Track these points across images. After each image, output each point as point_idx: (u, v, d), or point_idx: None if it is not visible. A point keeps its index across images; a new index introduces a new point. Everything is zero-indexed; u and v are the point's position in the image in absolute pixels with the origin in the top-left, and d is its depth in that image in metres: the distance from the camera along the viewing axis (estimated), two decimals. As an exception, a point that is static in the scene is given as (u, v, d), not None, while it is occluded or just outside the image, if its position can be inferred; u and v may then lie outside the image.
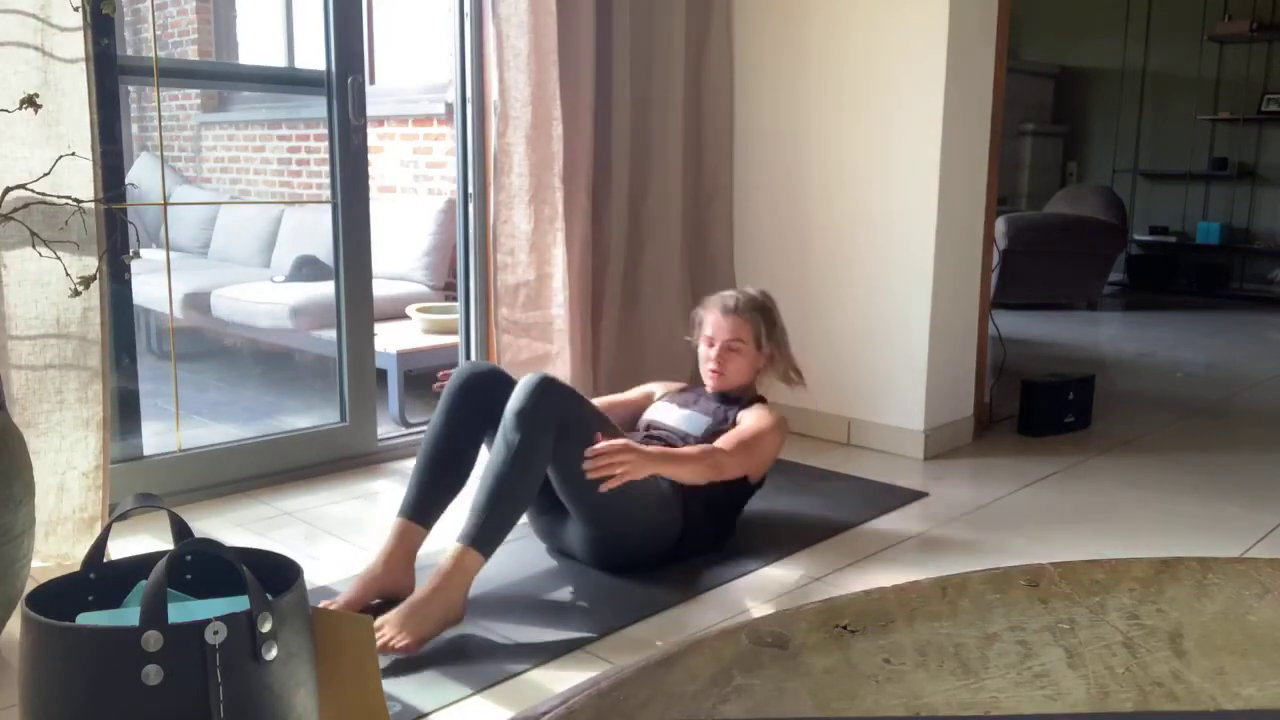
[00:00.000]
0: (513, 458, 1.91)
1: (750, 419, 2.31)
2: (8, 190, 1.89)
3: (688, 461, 2.11)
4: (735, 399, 2.40)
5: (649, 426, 2.39)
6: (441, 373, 2.27)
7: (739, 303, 2.37)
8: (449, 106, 4.33)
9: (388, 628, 1.80)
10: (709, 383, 2.40)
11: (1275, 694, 0.59)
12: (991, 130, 3.16)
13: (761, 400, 2.43)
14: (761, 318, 2.38)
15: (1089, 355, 4.95)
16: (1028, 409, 3.36)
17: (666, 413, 2.41)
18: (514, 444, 1.92)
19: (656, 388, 2.57)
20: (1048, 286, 6.17)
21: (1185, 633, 0.66)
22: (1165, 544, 2.40)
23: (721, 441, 2.21)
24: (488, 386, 2.13)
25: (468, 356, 3.16)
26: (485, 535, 1.90)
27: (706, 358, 2.38)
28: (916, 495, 2.73)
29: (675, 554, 2.23)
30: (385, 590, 1.99)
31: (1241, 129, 7.20)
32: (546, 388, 1.96)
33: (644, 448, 2.02)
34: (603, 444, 1.96)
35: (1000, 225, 5.75)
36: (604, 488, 1.95)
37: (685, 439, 2.31)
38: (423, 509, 2.05)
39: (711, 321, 2.38)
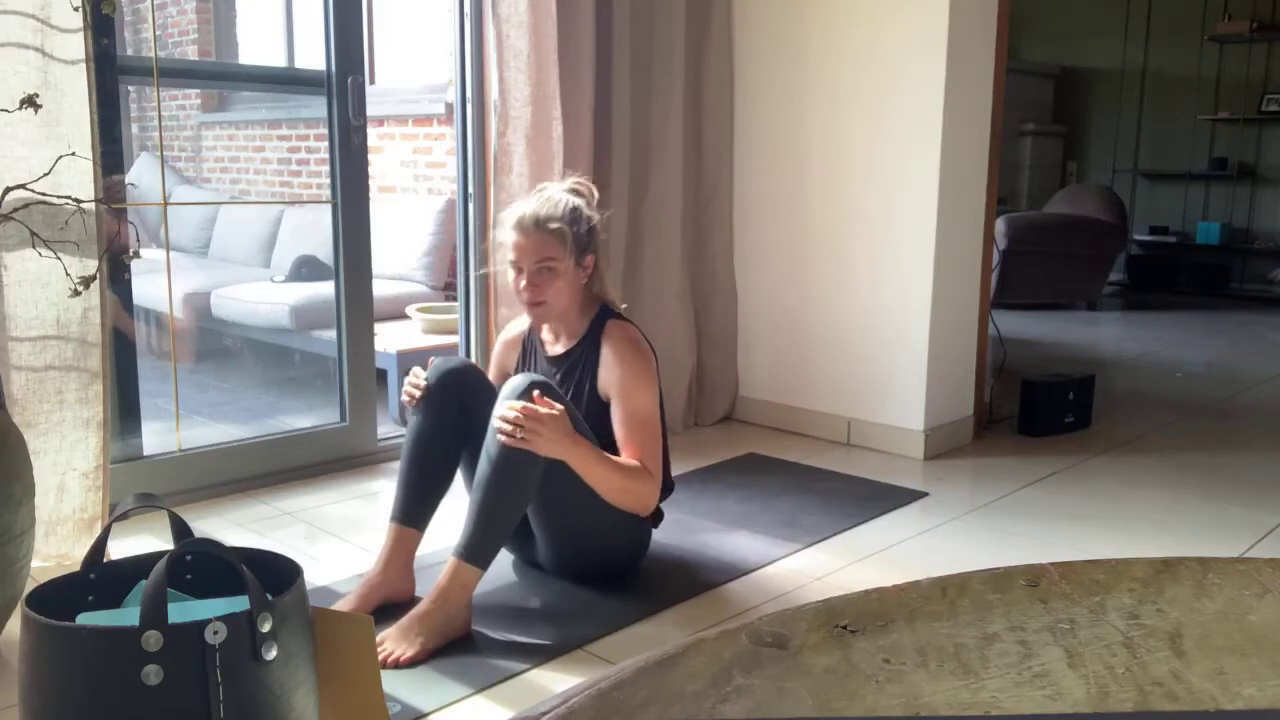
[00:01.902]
0: (500, 467, 1.88)
1: (614, 389, 2.03)
2: (8, 190, 1.89)
3: (611, 474, 1.93)
4: (579, 358, 2.10)
5: None
6: (429, 360, 2.11)
7: (541, 214, 1.98)
8: (449, 106, 4.32)
9: (390, 641, 1.80)
10: (531, 318, 2.10)
11: (1275, 694, 0.59)
12: (991, 130, 3.16)
13: (608, 319, 2.10)
14: (569, 225, 1.99)
15: (1089, 355, 4.95)
16: (1028, 409, 3.36)
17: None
18: (503, 452, 1.87)
19: (506, 356, 2.27)
20: (1048, 286, 6.17)
21: (1185, 633, 0.66)
22: (1165, 544, 2.40)
23: (634, 465, 2.00)
24: (463, 382, 2.07)
25: (468, 356, 3.16)
26: (479, 547, 1.88)
27: (519, 288, 2.02)
28: (916, 495, 2.73)
29: (642, 553, 2.18)
30: (387, 597, 1.98)
31: (1241, 129, 7.20)
32: (528, 394, 1.89)
33: (573, 435, 1.87)
34: (520, 404, 1.82)
35: (1000, 225, 5.75)
36: (504, 440, 1.83)
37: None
38: (414, 512, 2.03)
39: (512, 244, 2.00)
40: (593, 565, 2.13)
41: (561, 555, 2.11)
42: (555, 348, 2.16)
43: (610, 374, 2.05)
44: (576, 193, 2.07)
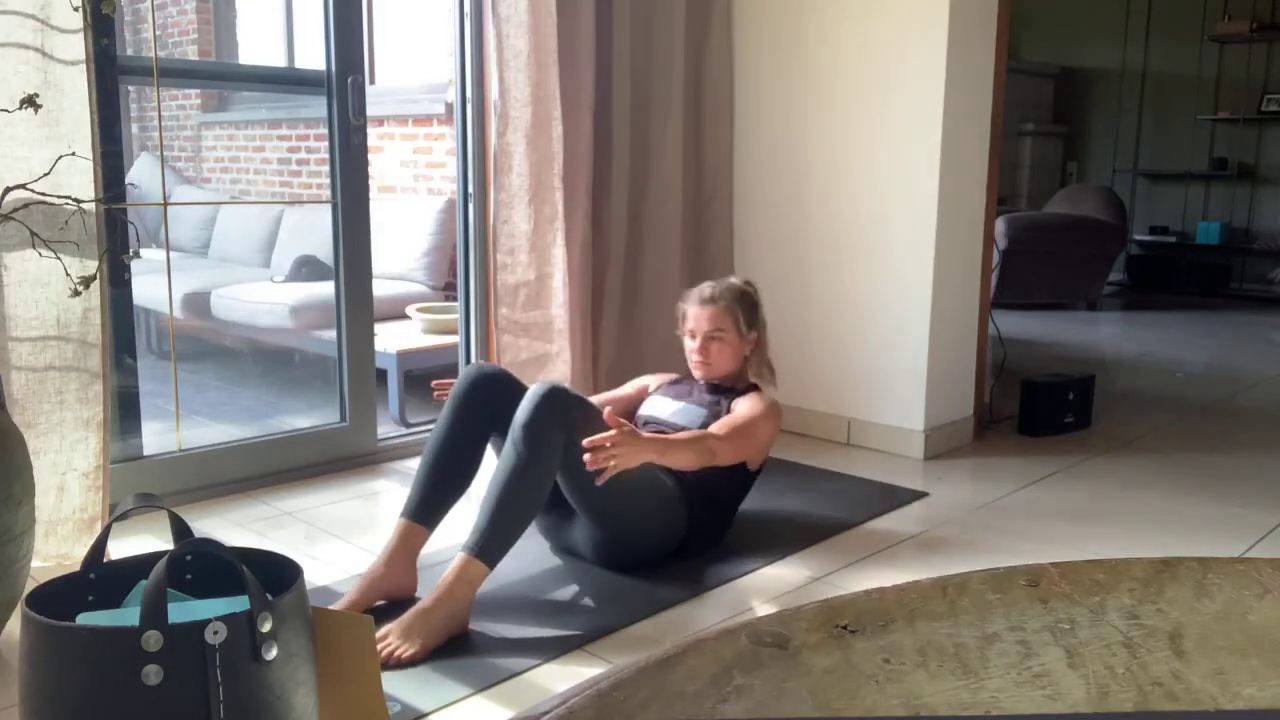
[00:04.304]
0: (520, 470, 1.91)
1: (744, 407, 2.33)
2: (8, 190, 1.89)
3: (681, 448, 2.11)
4: (728, 389, 2.42)
5: (645, 422, 2.41)
6: (435, 383, 2.28)
7: (715, 292, 2.39)
8: (449, 106, 4.33)
9: (391, 637, 1.80)
10: (697, 374, 2.43)
11: (1275, 694, 0.59)
12: (991, 130, 3.16)
13: (755, 388, 2.44)
14: (740, 305, 2.39)
15: (1089, 355, 4.95)
16: (1028, 409, 3.36)
17: (661, 406, 2.43)
18: (521, 456, 1.91)
19: (650, 380, 2.59)
20: (1048, 286, 6.17)
21: (1185, 633, 0.66)
22: (1165, 544, 2.40)
23: (715, 427, 2.23)
24: (495, 389, 2.13)
25: (468, 356, 3.16)
26: (490, 546, 1.89)
27: (691, 350, 2.41)
28: (916, 495, 2.73)
29: (680, 552, 2.23)
30: (388, 592, 1.99)
31: (1241, 129, 7.20)
32: (554, 400, 1.95)
33: (640, 435, 2.01)
34: (597, 436, 1.94)
35: (1000, 225, 5.75)
36: (599, 480, 1.94)
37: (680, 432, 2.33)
38: (426, 510, 2.05)
39: (692, 314, 2.41)
40: (634, 550, 2.16)
41: (612, 547, 2.15)
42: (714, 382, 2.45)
43: (745, 402, 2.35)
44: (746, 283, 2.46)
